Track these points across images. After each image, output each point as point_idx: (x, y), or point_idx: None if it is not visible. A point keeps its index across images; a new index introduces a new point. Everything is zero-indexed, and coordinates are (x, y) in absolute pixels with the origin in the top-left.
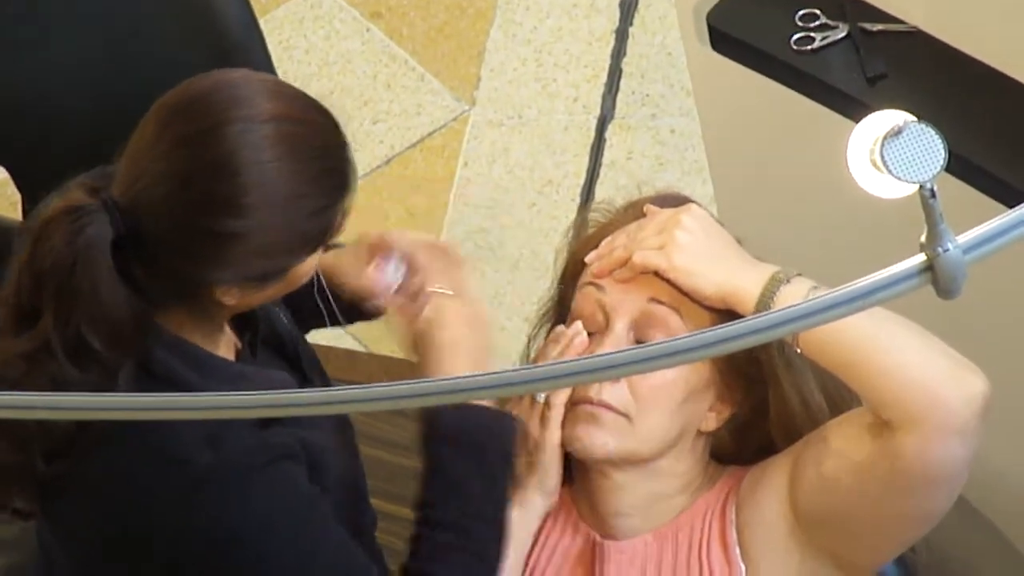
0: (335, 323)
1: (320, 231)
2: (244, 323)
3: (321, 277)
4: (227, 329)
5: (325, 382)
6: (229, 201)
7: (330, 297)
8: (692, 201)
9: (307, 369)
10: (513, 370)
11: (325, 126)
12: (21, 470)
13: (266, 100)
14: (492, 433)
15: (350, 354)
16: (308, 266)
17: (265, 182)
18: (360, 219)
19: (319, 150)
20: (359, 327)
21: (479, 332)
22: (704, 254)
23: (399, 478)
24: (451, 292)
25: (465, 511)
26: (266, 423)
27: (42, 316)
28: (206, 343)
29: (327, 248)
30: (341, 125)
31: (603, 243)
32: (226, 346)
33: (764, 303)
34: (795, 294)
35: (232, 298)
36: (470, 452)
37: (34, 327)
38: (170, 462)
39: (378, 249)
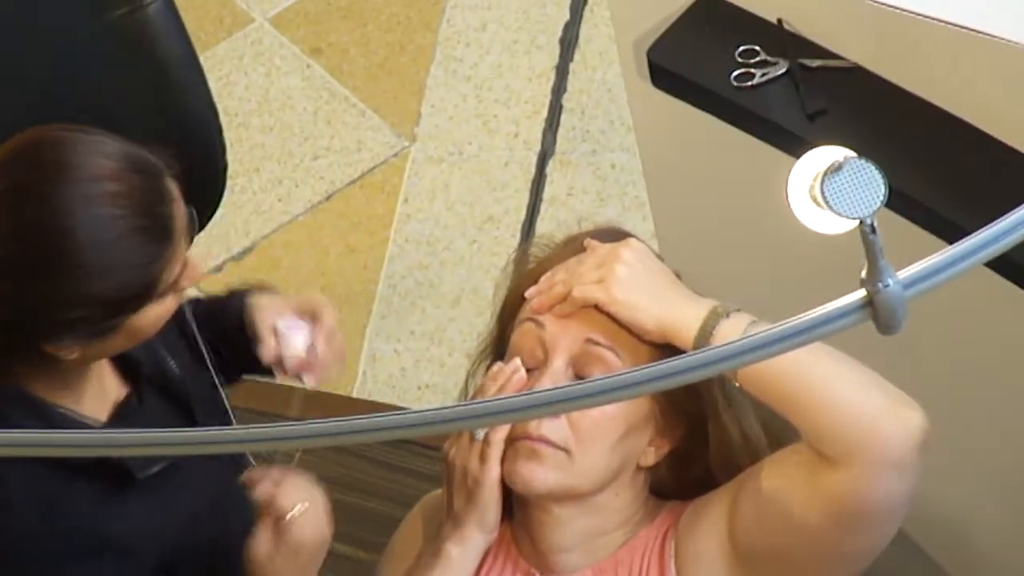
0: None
1: (146, 284)
2: (129, 369)
3: (195, 330)
4: (106, 382)
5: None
6: (47, 262)
7: (205, 349)
8: (631, 235)
9: (201, 414)
10: (452, 407)
11: (145, 182)
12: None
13: (86, 159)
14: None
15: (287, 389)
16: (150, 317)
17: (84, 244)
18: (301, 255)
19: (139, 208)
20: None
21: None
22: (643, 287)
23: (333, 513)
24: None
25: None
26: (116, 490)
27: None
28: (65, 398)
29: (166, 294)
30: (167, 181)
31: (543, 278)
32: (99, 400)
33: (703, 338)
34: (734, 329)
35: (72, 353)
36: None
37: None
38: None
39: (301, 309)
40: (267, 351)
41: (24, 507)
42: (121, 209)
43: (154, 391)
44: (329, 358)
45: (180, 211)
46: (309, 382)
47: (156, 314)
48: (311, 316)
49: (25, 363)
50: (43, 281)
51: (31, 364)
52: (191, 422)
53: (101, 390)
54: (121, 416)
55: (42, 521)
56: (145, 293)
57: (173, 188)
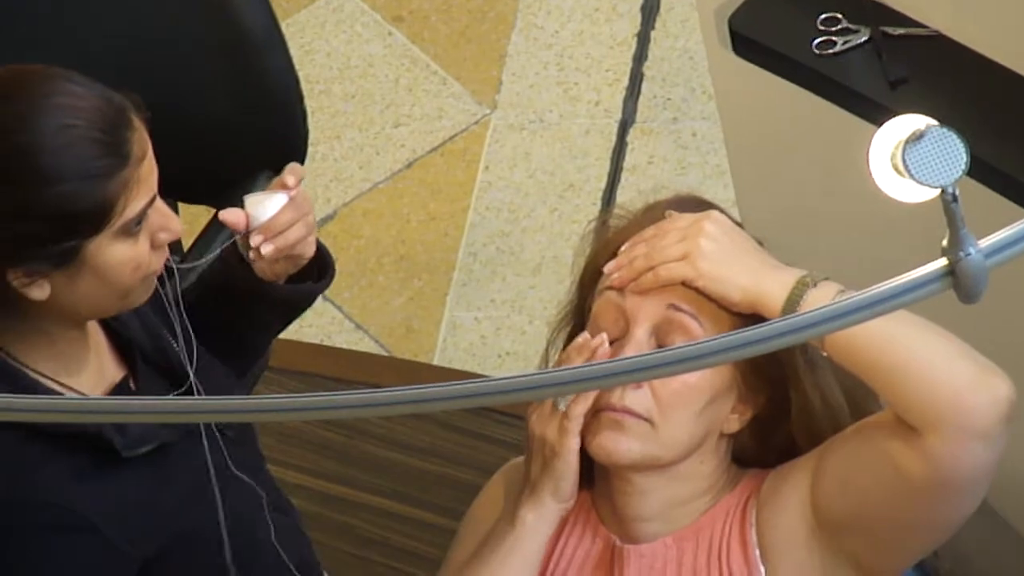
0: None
1: (96, 203)
2: (128, 350)
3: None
4: (104, 360)
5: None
6: (4, 162)
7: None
8: (711, 205)
9: (206, 390)
10: (534, 374)
11: (106, 105)
12: None
13: (48, 79)
14: None
15: (369, 357)
16: (116, 257)
17: (30, 147)
18: (381, 223)
19: (90, 120)
20: (381, 331)
21: None
22: (729, 260)
23: (414, 480)
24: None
25: None
26: (101, 467)
27: None
28: (61, 371)
29: (131, 232)
30: (128, 109)
31: (622, 250)
32: (95, 377)
33: (791, 307)
34: (822, 298)
35: (39, 290)
36: None
37: None
38: None
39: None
40: (234, 226)
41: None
42: (75, 120)
43: (154, 375)
44: (287, 217)
45: (142, 142)
46: (266, 249)
47: (124, 256)
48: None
49: (8, 318)
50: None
51: (14, 320)
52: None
53: (99, 370)
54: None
55: (10, 490)
56: (98, 214)
57: (138, 122)
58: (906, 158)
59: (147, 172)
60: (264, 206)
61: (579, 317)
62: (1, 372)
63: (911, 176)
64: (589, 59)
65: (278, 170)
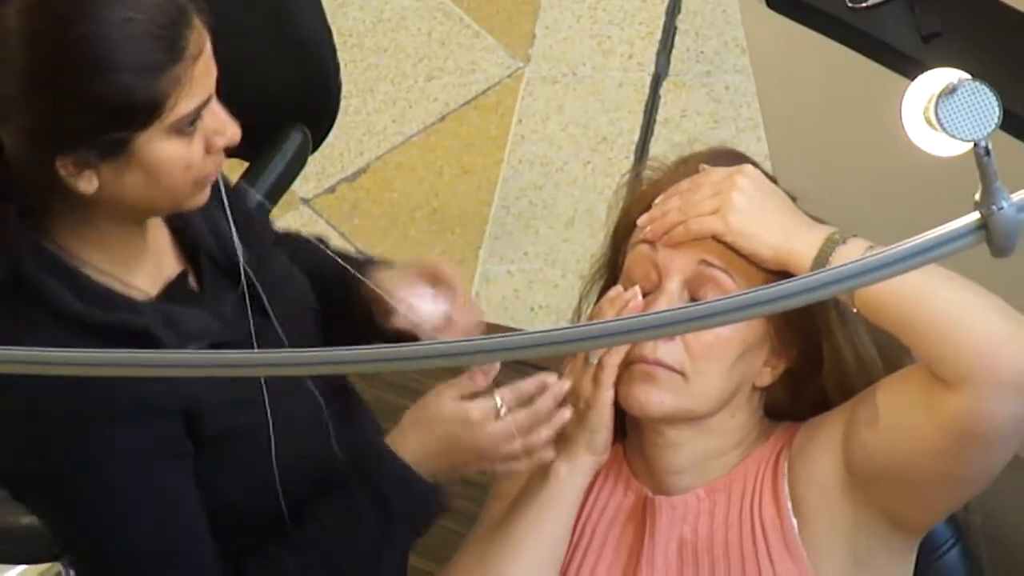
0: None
1: (148, 97)
2: (193, 248)
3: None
4: (164, 257)
5: (295, 312)
6: (54, 52)
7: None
8: (745, 159)
9: (276, 306)
10: (568, 327)
11: (167, 2)
12: None
13: None
14: (416, 508)
15: None
16: (167, 154)
17: (87, 34)
18: (414, 176)
19: (147, 14)
20: None
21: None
22: (760, 216)
23: None
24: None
25: (343, 541)
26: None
27: None
28: (119, 267)
29: (183, 131)
30: (188, 7)
31: (655, 203)
32: (152, 275)
33: (819, 264)
34: (851, 255)
35: (88, 182)
36: (379, 505)
37: None
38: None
39: (429, 278)
40: (400, 321)
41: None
42: (134, 13)
43: (219, 274)
44: (465, 324)
45: (199, 42)
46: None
47: (174, 154)
48: (437, 282)
49: (64, 215)
50: (44, 76)
51: (71, 216)
52: (261, 312)
53: (157, 266)
54: (173, 296)
55: (79, 381)
56: (149, 107)
57: (198, 22)
58: (939, 112)
59: (202, 72)
60: (426, 306)
61: (612, 271)
62: (55, 266)
63: (944, 130)
64: (622, 12)
65: (310, 124)
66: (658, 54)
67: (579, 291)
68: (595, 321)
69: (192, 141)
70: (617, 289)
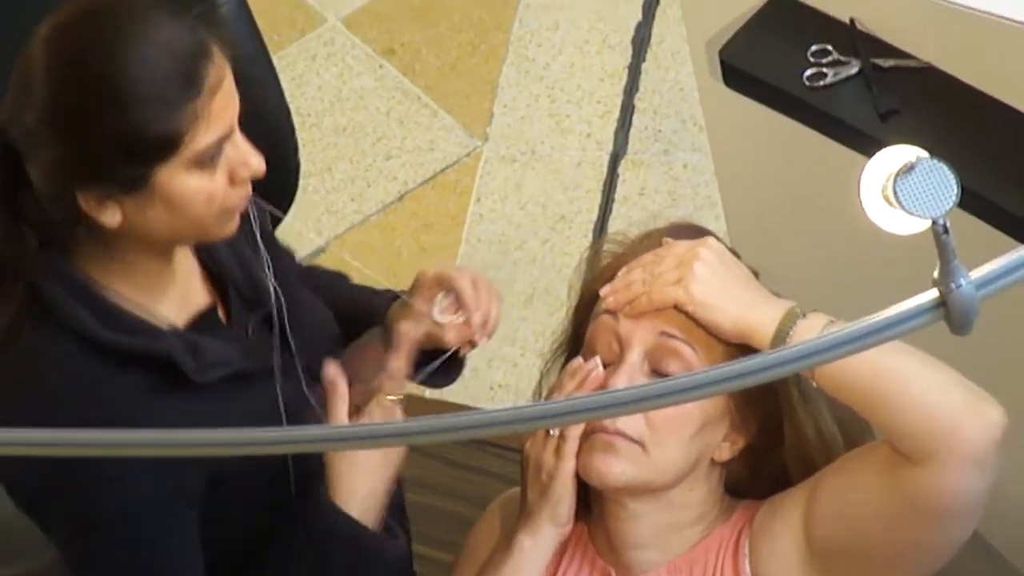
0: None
1: (167, 132)
2: (221, 283)
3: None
4: (193, 289)
5: (319, 345)
6: (73, 86)
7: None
8: (707, 232)
9: (299, 342)
10: (529, 406)
11: (185, 36)
12: None
13: (126, 8)
14: (365, 561)
15: None
16: (188, 187)
17: (106, 70)
18: (373, 255)
19: (168, 49)
20: None
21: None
22: (721, 288)
23: (433, 520)
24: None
25: None
26: (168, 389)
27: None
28: (144, 295)
29: (205, 164)
30: (207, 43)
31: (619, 275)
32: (182, 304)
33: (780, 339)
34: (811, 330)
35: (111, 216)
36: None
37: None
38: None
39: (438, 287)
40: (429, 332)
41: (64, 395)
42: (153, 48)
43: (246, 309)
44: (484, 316)
45: (218, 76)
46: (482, 343)
47: (195, 187)
48: (448, 289)
49: (90, 243)
50: (65, 111)
51: (96, 246)
52: (284, 345)
53: (185, 296)
54: (201, 327)
55: (81, 403)
56: (168, 142)
57: (218, 56)
58: (897, 189)
59: (222, 105)
60: (447, 317)
61: (574, 345)
62: (79, 291)
63: (902, 207)
64: (580, 91)
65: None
66: (616, 133)
67: (539, 369)
68: (555, 400)
69: (214, 173)
70: (578, 360)
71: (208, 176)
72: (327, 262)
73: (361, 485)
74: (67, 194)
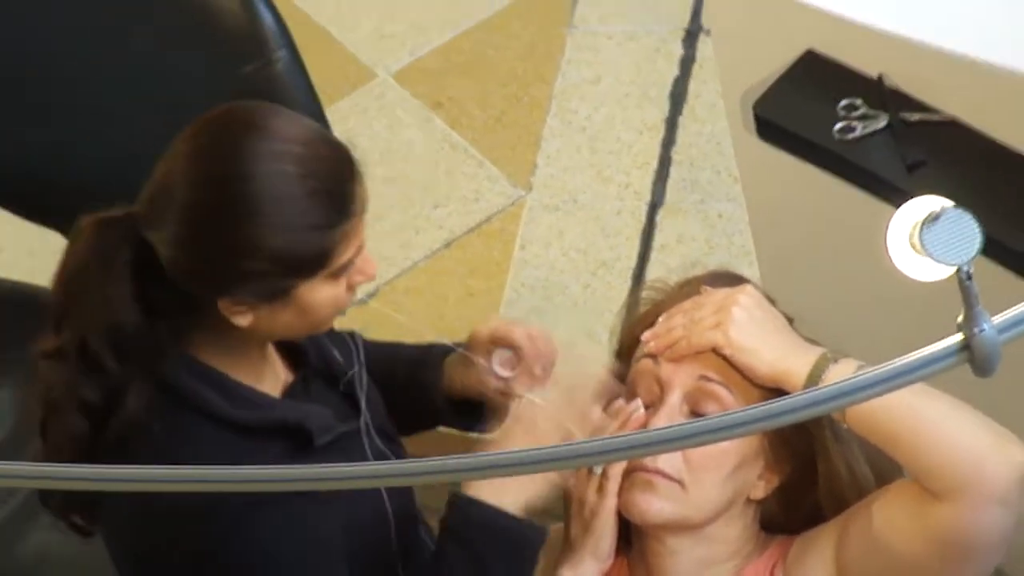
0: (435, 424)
1: (318, 251)
2: (297, 359)
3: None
4: (277, 366)
5: (387, 422)
6: (229, 204)
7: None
8: (745, 280)
9: (363, 403)
10: (573, 444)
11: (331, 155)
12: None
13: (277, 124)
14: (506, 546)
15: None
16: (322, 296)
17: (263, 191)
18: (421, 300)
19: (321, 172)
20: None
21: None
22: (758, 333)
23: None
24: (540, 401)
25: None
26: (294, 454)
27: (66, 321)
28: (247, 376)
29: (339, 276)
30: (356, 162)
31: (660, 321)
32: (272, 381)
33: (813, 383)
34: (842, 374)
35: (243, 318)
36: (475, 559)
37: (58, 331)
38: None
39: (495, 342)
40: (486, 385)
41: (263, 457)
42: (304, 170)
43: (320, 381)
44: (544, 365)
45: (362, 194)
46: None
47: (327, 296)
48: (505, 343)
49: (206, 332)
50: (222, 226)
51: (212, 335)
52: (356, 411)
53: (275, 375)
54: (290, 397)
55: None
56: (317, 260)
57: (359, 172)
58: (923, 238)
59: (361, 223)
60: (504, 371)
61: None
62: (210, 380)
63: (928, 255)
64: (619, 143)
65: None
66: (654, 183)
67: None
68: (601, 437)
69: (343, 282)
70: (620, 402)
71: (338, 285)
72: (377, 306)
73: (510, 499)
74: (207, 297)
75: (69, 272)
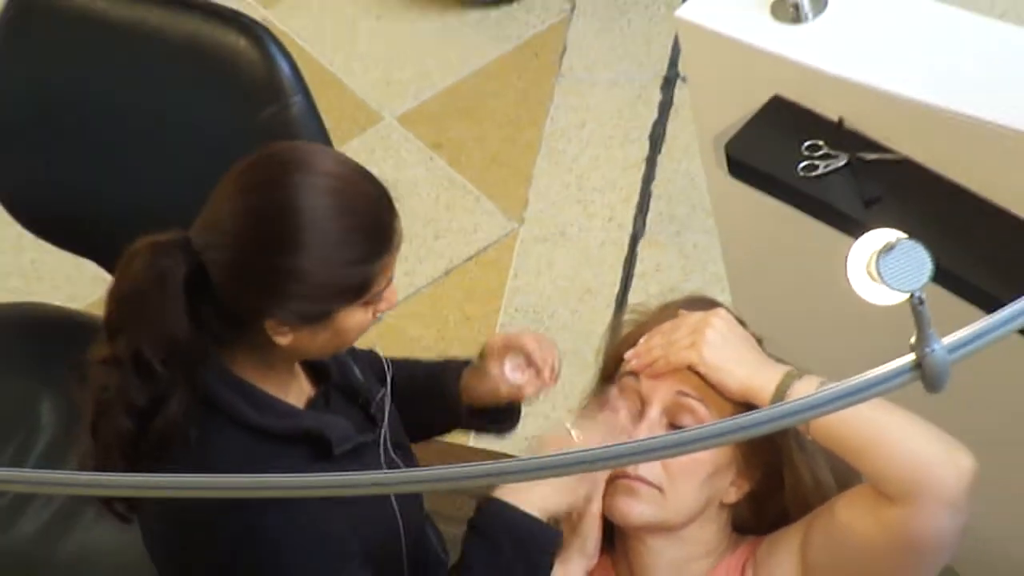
0: (453, 427)
1: (360, 281)
2: (319, 375)
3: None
4: (302, 381)
5: (401, 435)
6: (281, 236)
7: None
8: (718, 304)
9: (380, 418)
10: (561, 454)
11: (373, 192)
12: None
13: (323, 161)
14: (526, 545)
15: None
16: (355, 320)
17: (312, 225)
18: (423, 322)
19: (364, 209)
20: None
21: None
22: (729, 352)
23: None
24: (574, 433)
25: None
26: (314, 460)
27: (119, 334)
28: (275, 388)
29: (371, 304)
30: (392, 198)
31: (641, 341)
32: (297, 394)
33: (779, 397)
34: (805, 390)
35: (285, 337)
36: (497, 555)
37: (112, 342)
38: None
39: (507, 350)
40: (499, 387)
41: (228, 469)
42: (347, 205)
43: (340, 395)
44: (550, 367)
45: (399, 229)
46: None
47: (359, 320)
48: (517, 350)
49: (246, 347)
50: (272, 253)
51: (251, 350)
52: (372, 423)
53: (299, 387)
54: (313, 409)
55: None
56: (358, 289)
57: (394, 207)
58: (879, 267)
59: (396, 253)
60: (516, 375)
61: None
62: (243, 392)
63: (884, 282)
64: (604, 180)
65: None
66: (635, 217)
67: (568, 424)
68: (586, 448)
69: (371, 308)
70: (605, 414)
71: (369, 311)
72: (383, 329)
73: (534, 506)
74: (254, 318)
75: (125, 289)
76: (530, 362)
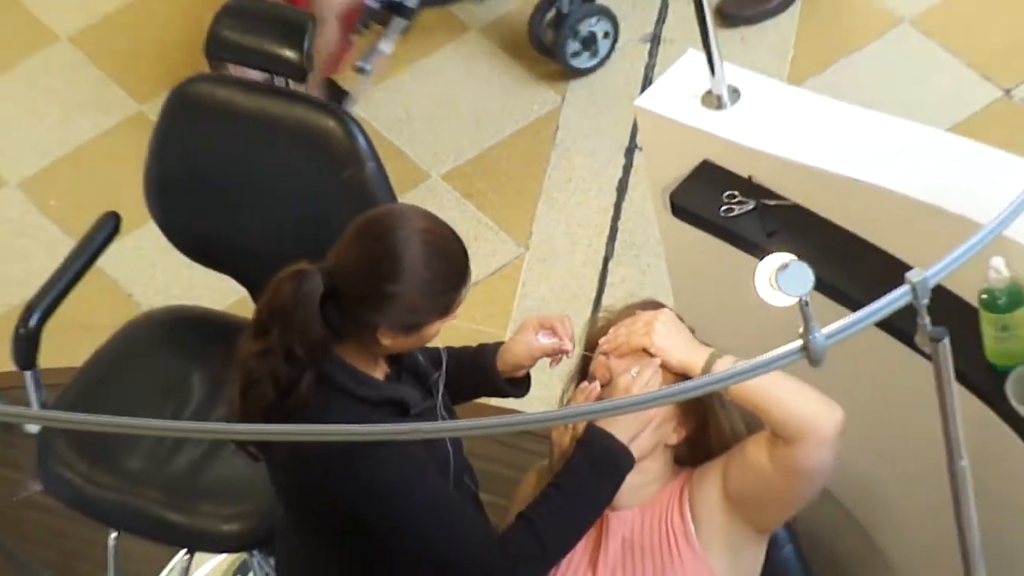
0: (491, 394)
1: (445, 304)
2: (392, 358)
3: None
4: (381, 362)
5: (449, 402)
6: (392, 274)
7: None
8: (664, 306)
9: (435, 392)
10: (556, 411)
11: (456, 244)
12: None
13: (421, 220)
14: (616, 461)
15: None
16: (436, 329)
17: (415, 266)
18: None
19: (450, 255)
20: None
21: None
22: (672, 339)
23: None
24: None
25: (577, 491)
26: (397, 418)
27: (270, 332)
28: (368, 368)
29: (446, 319)
30: (461, 240)
31: (610, 331)
32: (380, 372)
33: (707, 370)
34: (725, 365)
35: (388, 340)
36: (597, 465)
37: (264, 337)
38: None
39: (540, 326)
40: (528, 355)
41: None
42: (435, 250)
43: (407, 374)
44: (570, 336)
45: (469, 266)
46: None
47: (437, 329)
48: (546, 328)
49: (357, 343)
50: (384, 284)
51: (359, 344)
52: (429, 394)
53: (381, 367)
54: (390, 382)
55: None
56: (443, 311)
57: (466, 249)
58: (778, 279)
59: (468, 283)
60: (544, 342)
61: (582, 374)
62: (348, 371)
63: (781, 290)
64: (585, 218)
65: None
66: (607, 243)
67: (561, 388)
68: (571, 407)
69: (447, 320)
70: (584, 383)
71: (446, 322)
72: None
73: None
74: (372, 327)
75: (277, 303)
76: (555, 332)
